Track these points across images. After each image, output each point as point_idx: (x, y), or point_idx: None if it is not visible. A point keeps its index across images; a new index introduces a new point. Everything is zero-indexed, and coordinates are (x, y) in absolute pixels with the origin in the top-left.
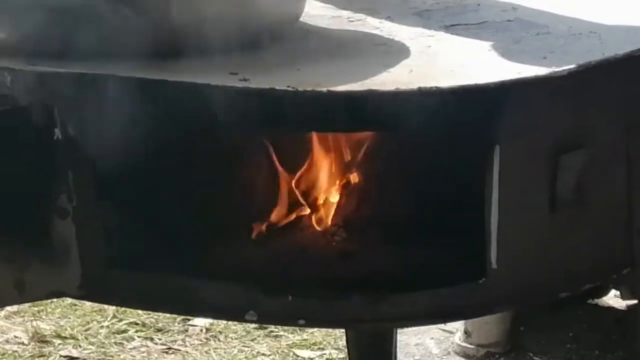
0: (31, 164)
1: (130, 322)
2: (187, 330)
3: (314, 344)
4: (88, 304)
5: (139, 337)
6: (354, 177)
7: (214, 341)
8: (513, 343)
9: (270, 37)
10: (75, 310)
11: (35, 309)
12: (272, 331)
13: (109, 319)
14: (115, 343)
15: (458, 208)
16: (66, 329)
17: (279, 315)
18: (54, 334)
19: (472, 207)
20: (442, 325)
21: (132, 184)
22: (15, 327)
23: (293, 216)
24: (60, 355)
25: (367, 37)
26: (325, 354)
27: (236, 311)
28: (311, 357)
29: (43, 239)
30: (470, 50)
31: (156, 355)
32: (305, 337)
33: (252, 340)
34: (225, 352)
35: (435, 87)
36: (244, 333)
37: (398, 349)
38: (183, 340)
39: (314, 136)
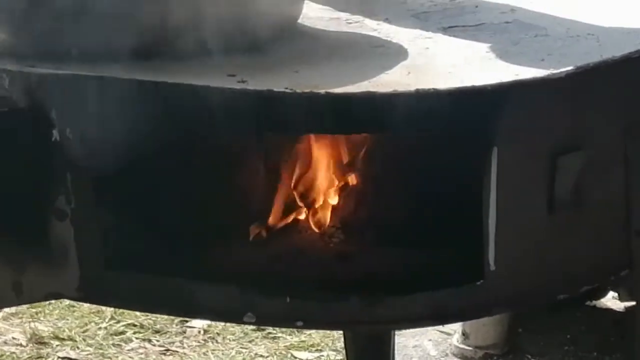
0: (29, 165)
1: (128, 324)
2: (185, 332)
3: (312, 345)
4: (86, 305)
5: (136, 338)
6: (352, 179)
7: (212, 343)
8: (511, 345)
9: (268, 39)
10: (73, 311)
11: (33, 310)
12: (269, 333)
13: (106, 320)
14: (113, 344)
15: (456, 210)
16: (64, 331)
17: (277, 316)
18: (51, 335)
19: (470, 208)
20: (440, 327)
21: (130, 186)
22: (13, 328)
23: (291, 218)
24: (58, 357)
25: (365, 39)
26: (323, 355)
27: (234, 313)
28: (309, 358)
29: (41, 240)
30: (468, 52)
31: (154, 357)
32: (303, 338)
33: (250, 341)
34: (223, 354)
35: (433, 89)
36: (241, 334)
37: (396, 351)
38: (181, 341)
39: (312, 138)
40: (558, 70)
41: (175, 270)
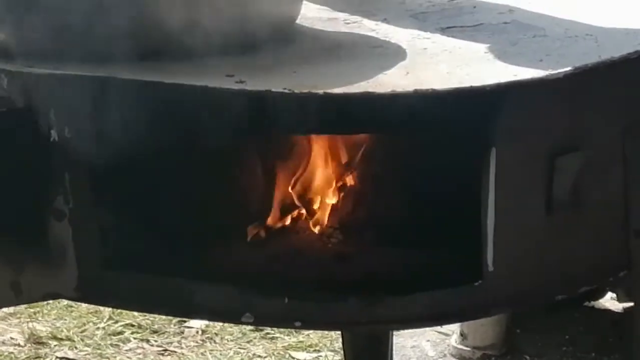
0: (28, 165)
1: (126, 324)
2: (183, 332)
3: (310, 346)
4: (84, 305)
5: (135, 338)
6: (350, 179)
7: (210, 343)
8: (509, 345)
9: (266, 39)
10: (71, 311)
11: (32, 310)
12: (268, 333)
13: (105, 320)
14: (111, 345)
15: (454, 210)
16: (62, 331)
17: (275, 317)
18: (50, 335)
19: (469, 209)
20: (438, 328)
21: (128, 186)
22: (11, 328)
23: (289, 218)
24: (56, 357)
25: (363, 39)
26: (321, 356)
27: (232, 313)
28: (307, 359)
29: (39, 240)
30: (467, 53)
31: (152, 357)
32: (301, 339)
33: (248, 342)
34: (221, 354)
35: (432, 89)
36: (239, 335)
37: (394, 352)
38: (179, 342)
39: (311, 138)
40: (556, 71)
41: (173, 270)
